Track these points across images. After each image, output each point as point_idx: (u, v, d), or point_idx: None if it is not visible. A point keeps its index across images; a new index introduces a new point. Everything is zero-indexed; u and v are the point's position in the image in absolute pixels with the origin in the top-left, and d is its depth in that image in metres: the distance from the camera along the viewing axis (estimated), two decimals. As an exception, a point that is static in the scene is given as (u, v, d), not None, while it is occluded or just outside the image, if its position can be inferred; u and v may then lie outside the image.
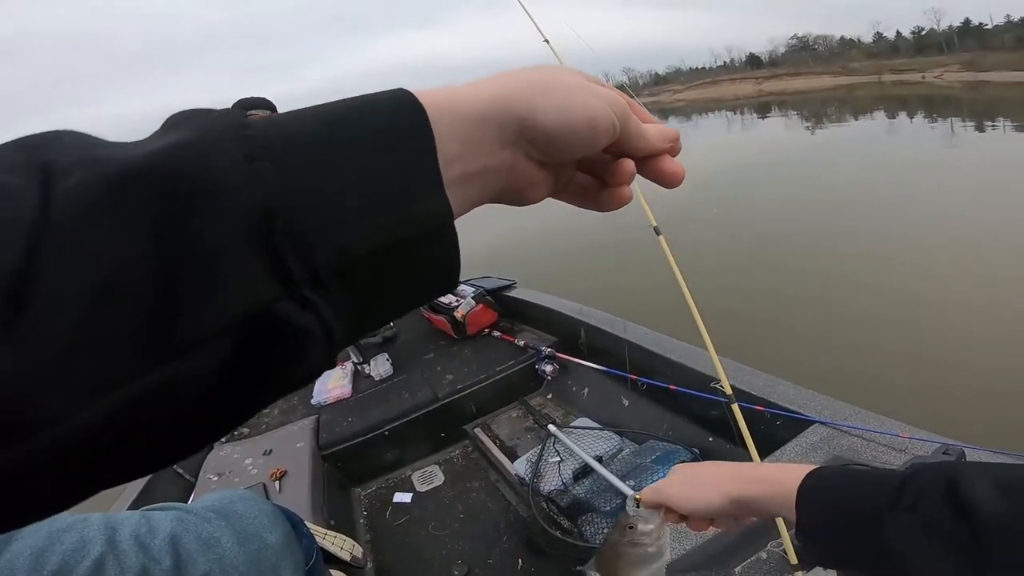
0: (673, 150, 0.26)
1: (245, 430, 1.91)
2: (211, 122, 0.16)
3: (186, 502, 1.11)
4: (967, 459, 0.90)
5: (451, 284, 0.21)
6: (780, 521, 0.78)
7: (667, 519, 0.51)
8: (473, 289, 2.36)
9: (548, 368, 2.01)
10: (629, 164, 0.25)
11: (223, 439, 1.80)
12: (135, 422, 0.14)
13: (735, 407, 1.03)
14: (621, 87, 0.25)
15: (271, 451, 1.75)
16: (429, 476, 1.88)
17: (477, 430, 1.96)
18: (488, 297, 2.36)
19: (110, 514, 0.69)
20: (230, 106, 0.21)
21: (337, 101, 0.19)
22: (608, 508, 1.37)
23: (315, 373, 0.18)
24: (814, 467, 0.46)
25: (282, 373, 0.17)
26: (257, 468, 1.67)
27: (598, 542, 1.28)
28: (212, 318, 0.14)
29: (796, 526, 0.44)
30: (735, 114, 34.32)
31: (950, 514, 0.35)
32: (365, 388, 2.12)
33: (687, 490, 0.50)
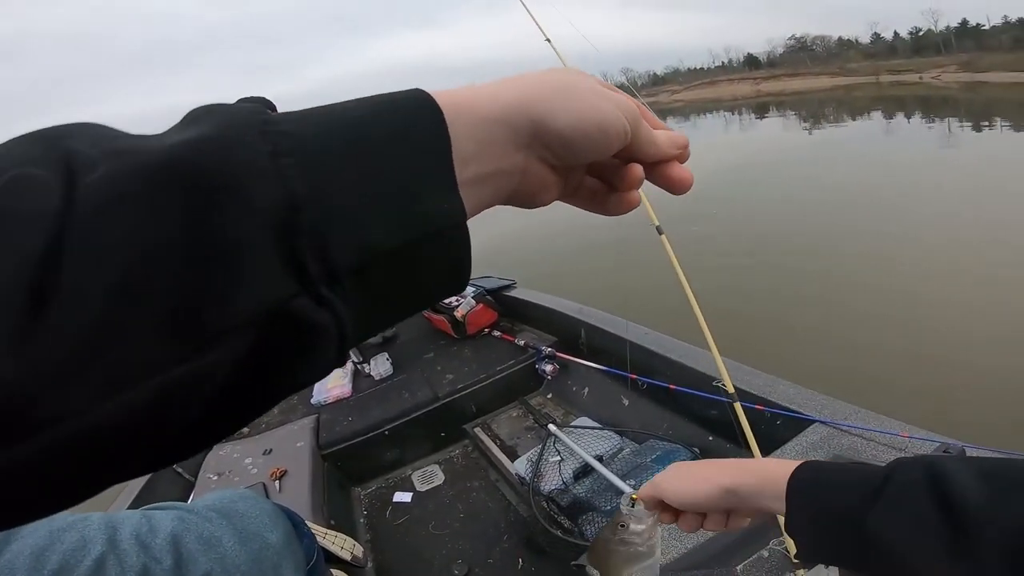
0: (682, 157, 0.26)
1: (245, 429, 1.91)
2: (233, 117, 0.16)
3: (186, 501, 1.11)
4: (968, 458, 0.90)
5: (461, 285, 0.21)
6: (782, 519, 0.78)
7: (661, 519, 0.51)
8: (473, 289, 2.36)
9: (548, 368, 2.01)
10: (638, 169, 0.25)
11: (223, 439, 1.80)
12: (152, 417, 0.14)
13: (737, 405, 1.03)
14: (621, 88, 0.25)
15: (271, 450, 1.75)
16: (429, 476, 1.88)
17: (477, 430, 1.96)
18: (488, 297, 2.37)
19: (111, 513, 0.69)
20: None
21: (355, 100, 0.19)
22: (608, 507, 1.37)
23: (326, 371, 0.18)
24: (805, 460, 0.46)
25: (294, 370, 0.17)
26: (257, 467, 1.67)
27: (597, 540, 1.28)
28: (232, 314, 0.14)
29: (785, 520, 0.44)
30: (733, 115, 34.38)
31: (933, 506, 0.35)
32: (365, 387, 2.12)
33: (681, 482, 0.50)
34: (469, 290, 2.35)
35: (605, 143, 0.23)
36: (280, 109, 0.19)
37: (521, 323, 2.35)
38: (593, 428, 1.73)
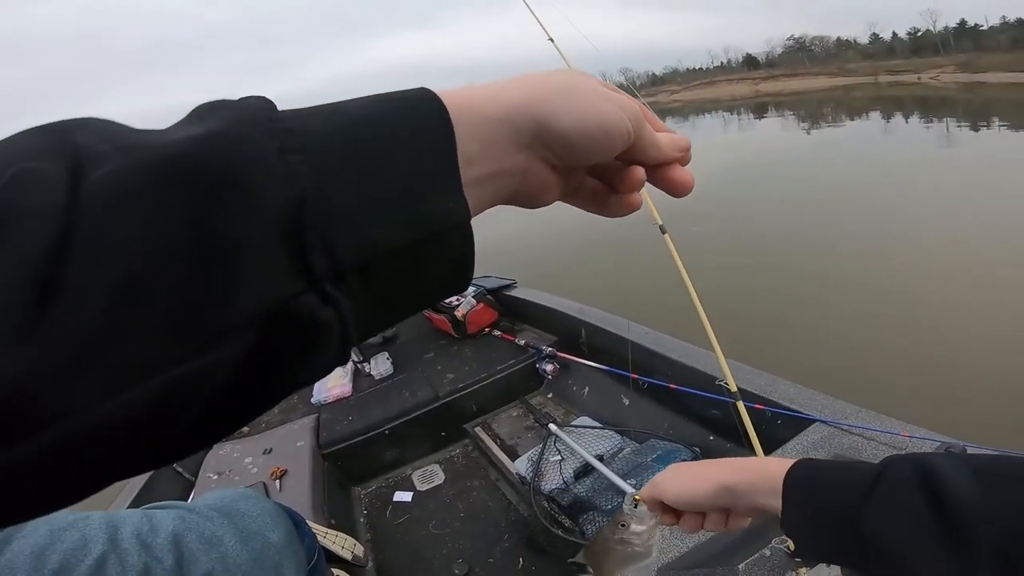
0: (684, 159, 0.26)
1: (245, 429, 1.90)
2: (241, 113, 0.16)
3: (186, 501, 1.10)
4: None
5: (464, 284, 0.21)
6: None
7: (663, 521, 0.51)
8: (474, 288, 2.36)
9: (549, 367, 2.01)
10: (640, 171, 0.25)
11: (224, 438, 1.80)
12: (155, 415, 0.14)
13: (740, 404, 1.03)
14: (621, 88, 0.25)
15: (271, 450, 1.74)
16: (429, 475, 1.88)
17: (478, 429, 1.96)
18: (489, 296, 2.37)
19: (111, 512, 0.69)
20: None
21: (361, 98, 0.19)
22: (609, 507, 1.37)
23: (327, 370, 0.18)
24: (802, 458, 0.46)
25: (296, 368, 0.17)
26: (257, 467, 1.67)
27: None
28: (238, 310, 0.14)
29: (781, 517, 0.44)
30: (732, 115, 34.41)
31: (924, 503, 0.35)
32: (365, 387, 2.11)
33: (679, 481, 0.50)
34: (470, 289, 2.34)
35: (608, 144, 0.23)
36: (280, 109, 0.18)
37: (522, 323, 2.35)
38: (594, 428, 1.73)
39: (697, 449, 1.50)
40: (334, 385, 2.10)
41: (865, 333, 3.35)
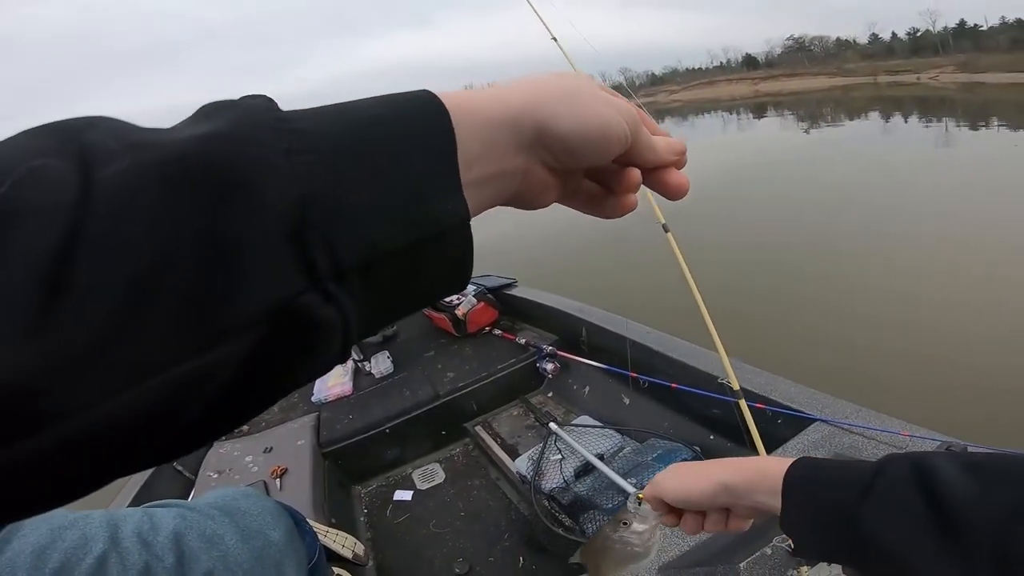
0: (679, 163, 0.27)
1: (245, 427, 1.90)
2: (247, 113, 0.16)
3: (186, 499, 1.10)
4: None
5: (463, 283, 0.21)
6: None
7: (664, 521, 0.51)
8: (474, 287, 2.36)
9: (549, 366, 2.01)
10: (636, 174, 0.26)
11: (223, 436, 1.80)
12: (156, 414, 0.14)
13: (742, 403, 1.03)
14: (618, 89, 0.26)
15: (271, 449, 1.74)
16: (430, 474, 1.88)
17: (478, 428, 1.96)
18: (489, 295, 2.36)
19: (112, 511, 0.68)
20: None
21: (364, 99, 0.19)
22: (610, 505, 1.37)
23: (328, 368, 0.18)
24: (801, 457, 0.46)
25: (298, 366, 0.17)
26: (257, 466, 1.66)
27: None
28: (241, 310, 0.14)
29: (780, 516, 0.44)
30: (731, 115, 34.40)
31: (921, 501, 0.35)
32: (366, 386, 2.11)
33: (679, 480, 0.50)
34: (470, 288, 2.34)
35: (606, 148, 0.23)
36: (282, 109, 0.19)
37: (522, 322, 2.35)
38: (594, 427, 1.73)
39: (697, 448, 1.50)
40: (334, 384, 2.10)
41: (865, 333, 3.35)
